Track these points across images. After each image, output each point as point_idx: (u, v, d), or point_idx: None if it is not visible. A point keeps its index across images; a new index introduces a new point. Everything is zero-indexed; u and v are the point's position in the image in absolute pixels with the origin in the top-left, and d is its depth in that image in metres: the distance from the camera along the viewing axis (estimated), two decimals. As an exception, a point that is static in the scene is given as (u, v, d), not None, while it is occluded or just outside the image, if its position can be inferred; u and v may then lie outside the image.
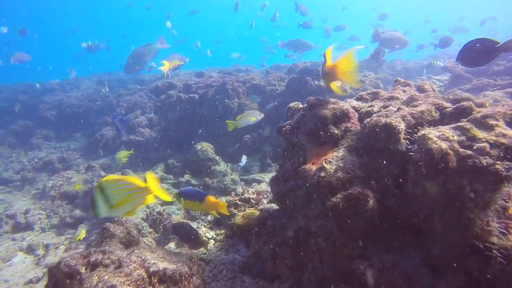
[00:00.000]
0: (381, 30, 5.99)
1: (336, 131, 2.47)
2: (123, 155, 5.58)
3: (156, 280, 2.05)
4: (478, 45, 2.95)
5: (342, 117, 2.51)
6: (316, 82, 5.55)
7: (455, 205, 1.60)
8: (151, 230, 4.26)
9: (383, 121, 2.05)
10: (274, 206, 3.73)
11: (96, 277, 2.14)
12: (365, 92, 2.86)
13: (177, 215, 4.54)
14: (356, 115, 2.56)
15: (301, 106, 3.09)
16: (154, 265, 2.09)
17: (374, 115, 2.24)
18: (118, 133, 6.12)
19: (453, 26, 12.26)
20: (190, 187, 3.45)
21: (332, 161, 2.26)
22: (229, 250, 3.59)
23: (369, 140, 2.20)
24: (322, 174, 2.21)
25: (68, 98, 10.48)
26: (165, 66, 6.09)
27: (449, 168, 1.63)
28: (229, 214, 3.81)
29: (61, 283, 2.24)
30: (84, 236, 4.64)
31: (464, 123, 1.76)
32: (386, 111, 2.20)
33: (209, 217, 4.24)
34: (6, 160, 8.67)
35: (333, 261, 2.25)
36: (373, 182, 2.11)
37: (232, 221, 3.80)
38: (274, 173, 5.57)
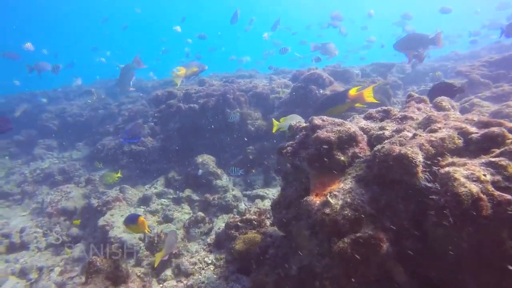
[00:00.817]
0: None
1: (342, 158, 2.19)
2: (110, 178, 5.35)
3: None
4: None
5: (349, 141, 2.22)
6: (321, 91, 5.25)
7: (493, 265, 1.30)
8: (148, 253, 4.02)
9: (397, 151, 1.76)
10: (277, 230, 3.46)
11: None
12: (374, 110, 2.57)
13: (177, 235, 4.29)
14: (365, 138, 2.27)
15: (304, 125, 2.81)
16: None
17: (386, 141, 1.95)
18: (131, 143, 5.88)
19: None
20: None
21: (338, 194, 1.97)
22: (230, 278, 3.32)
23: (380, 170, 1.91)
24: (327, 210, 1.92)
25: (70, 107, 10.36)
26: (180, 72, 5.83)
27: (483, 216, 1.33)
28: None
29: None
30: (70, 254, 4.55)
31: (498, 158, 1.46)
32: (400, 137, 1.91)
33: (208, 239, 3.98)
34: (8, 171, 8.57)
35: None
36: (385, 221, 1.82)
37: (233, 245, 3.54)
38: (278, 188, 5.29)
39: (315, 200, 2.11)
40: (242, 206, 4.72)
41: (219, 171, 5.39)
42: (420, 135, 1.82)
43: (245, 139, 5.83)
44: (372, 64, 8.09)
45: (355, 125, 2.33)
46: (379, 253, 1.69)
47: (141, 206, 5.17)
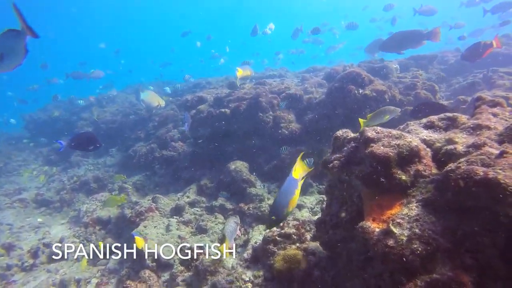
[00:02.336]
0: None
1: (403, 177, 1.88)
2: (114, 202, 5.21)
3: None
4: None
5: (410, 157, 1.91)
6: (361, 91, 4.88)
7: None
8: (182, 268, 3.87)
9: (482, 175, 1.44)
10: (320, 246, 3.18)
11: None
12: (436, 118, 2.22)
13: (210, 249, 4.11)
14: (429, 152, 1.95)
15: (352, 135, 2.51)
16: None
17: (462, 160, 1.62)
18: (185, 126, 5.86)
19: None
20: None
21: (403, 223, 1.68)
22: (270, 299, 3.09)
23: (457, 196, 1.59)
24: (390, 242, 1.63)
25: (103, 114, 10.55)
26: (239, 73, 5.97)
27: None
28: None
29: None
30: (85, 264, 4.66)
31: None
32: (481, 154, 1.58)
33: (245, 254, 3.77)
34: (49, 179, 8.85)
35: None
36: (466, 257, 1.50)
37: (272, 262, 3.30)
38: (316, 196, 4.99)
39: (373, 227, 1.82)
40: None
41: (252, 178, 5.17)
42: (510, 152, 1.48)
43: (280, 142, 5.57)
44: (411, 57, 7.54)
45: (416, 136, 2.01)
46: (463, 301, 1.38)
47: (174, 216, 5.06)
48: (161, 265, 4.10)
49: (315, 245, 3.21)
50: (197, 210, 5.07)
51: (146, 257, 4.02)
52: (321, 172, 5.26)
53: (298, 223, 3.71)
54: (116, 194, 6.55)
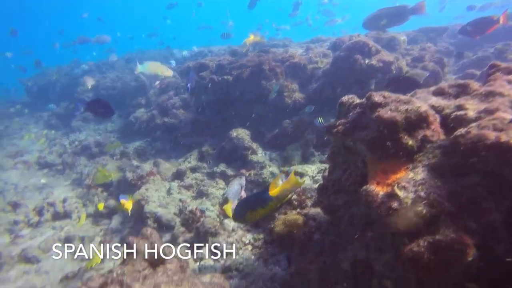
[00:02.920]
0: None
1: (410, 142, 1.86)
2: (102, 178, 5.04)
3: (181, 333, 1.67)
4: None
5: (418, 122, 1.88)
6: (367, 61, 4.77)
7: None
8: (184, 229, 3.95)
9: (493, 139, 1.42)
10: (321, 212, 3.23)
11: (112, 323, 1.81)
12: (447, 84, 2.18)
13: (211, 212, 4.19)
14: (438, 118, 1.92)
15: (358, 101, 2.47)
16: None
17: (472, 125, 1.60)
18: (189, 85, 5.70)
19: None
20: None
21: (408, 186, 1.68)
22: (269, 260, 3.18)
23: (464, 160, 1.59)
24: (394, 205, 1.64)
25: (103, 80, 10.40)
26: (250, 38, 5.83)
27: None
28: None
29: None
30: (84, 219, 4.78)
31: None
32: (493, 119, 1.55)
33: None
34: (50, 142, 8.87)
35: (405, 316, 1.73)
36: (469, 221, 1.52)
37: (272, 226, 3.36)
38: (318, 165, 5.02)
39: (377, 190, 1.82)
40: (280, 183, 4.50)
41: (254, 145, 5.17)
42: (523, 118, 1.46)
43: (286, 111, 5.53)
44: (419, 29, 7.33)
45: (425, 103, 1.97)
46: (464, 261, 1.40)
47: (175, 181, 5.11)
48: (162, 227, 4.19)
49: (315, 211, 3.25)
50: (198, 176, 5.12)
51: (147, 217, 4.10)
52: (322, 143, 5.27)
53: (299, 189, 3.75)
54: (117, 159, 6.59)
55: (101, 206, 4.88)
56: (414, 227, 1.56)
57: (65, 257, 4.49)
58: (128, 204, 3.96)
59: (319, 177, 4.55)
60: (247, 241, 3.51)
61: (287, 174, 4.81)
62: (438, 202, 1.56)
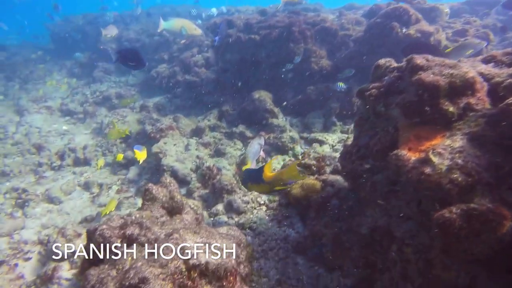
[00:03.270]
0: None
1: (451, 109, 1.75)
2: (116, 134, 4.90)
3: (196, 274, 1.70)
4: None
5: (463, 88, 1.76)
6: (404, 30, 4.49)
7: None
8: (199, 185, 4.00)
9: (550, 107, 1.31)
10: (340, 179, 3.18)
11: (130, 258, 1.85)
12: (500, 52, 2.01)
13: (227, 171, 4.21)
14: (485, 86, 1.79)
15: (395, 64, 2.33)
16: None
17: (527, 93, 1.48)
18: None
19: None
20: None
21: (444, 153, 1.59)
22: (283, 222, 3.19)
23: (510, 130, 1.48)
24: (427, 170, 1.57)
25: (127, 32, 10.27)
26: None
27: None
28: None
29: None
30: (102, 164, 4.85)
31: None
32: (551, 88, 1.42)
33: (262, 179, 3.83)
34: (73, 91, 8.98)
35: (422, 283, 1.71)
36: (508, 194, 1.44)
37: (288, 189, 3.36)
38: (338, 134, 4.92)
39: (409, 155, 1.75)
40: (299, 149, 4.47)
41: (275, 109, 5.09)
42: None
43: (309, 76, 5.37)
44: (466, 2, 6.82)
45: (473, 69, 1.83)
46: (498, 232, 1.34)
47: (194, 137, 5.13)
48: (178, 181, 4.24)
49: (334, 178, 3.21)
50: (217, 135, 5.11)
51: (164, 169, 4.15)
52: (345, 112, 5.13)
53: (318, 155, 3.69)
54: (137, 112, 6.62)
55: (120, 157, 4.94)
56: (447, 194, 1.49)
57: (84, 201, 4.68)
58: (140, 154, 3.93)
59: (339, 146, 4.47)
60: (262, 202, 3.52)
61: (306, 140, 4.76)
62: (476, 171, 1.48)
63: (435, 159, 1.58)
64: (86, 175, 5.08)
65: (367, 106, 2.53)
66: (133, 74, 9.37)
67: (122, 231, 2.02)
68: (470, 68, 1.81)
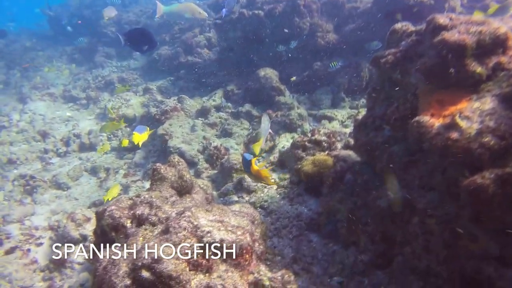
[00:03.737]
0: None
1: (478, 70, 1.62)
2: (111, 127, 4.72)
3: (210, 253, 1.63)
4: None
5: (493, 46, 1.62)
6: (416, -4, 4.26)
7: None
8: (207, 165, 3.93)
9: None
10: (352, 154, 3.08)
11: (141, 238, 1.79)
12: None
13: (235, 151, 4.13)
14: (516, 44, 1.64)
15: (413, 28, 2.18)
16: (208, 235, 1.65)
17: None
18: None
19: None
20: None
21: (472, 116, 1.48)
22: (295, 200, 3.12)
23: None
24: (454, 135, 1.46)
25: (126, 14, 10.02)
26: None
27: None
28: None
29: (108, 233, 1.95)
30: (108, 149, 4.66)
31: None
32: None
33: (271, 157, 3.75)
34: (74, 77, 8.86)
35: (447, 255, 1.62)
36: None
37: (300, 166, 3.26)
38: (348, 110, 4.78)
39: (432, 121, 1.63)
40: (307, 126, 4.35)
41: (282, 86, 4.94)
42: None
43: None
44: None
45: (505, 24, 1.68)
46: (536, 198, 1.24)
47: (199, 118, 5.02)
48: (186, 162, 4.17)
49: (346, 153, 3.11)
50: (223, 115, 5.00)
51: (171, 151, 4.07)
52: (354, 88, 4.98)
53: (329, 131, 3.58)
54: (140, 95, 6.50)
55: (125, 143, 4.79)
56: (477, 159, 1.38)
57: (92, 185, 4.65)
58: (139, 137, 3.71)
59: (348, 122, 4.36)
60: (272, 180, 3.44)
61: (314, 117, 4.63)
62: (510, 133, 1.36)
63: (463, 123, 1.47)
64: (93, 160, 5.03)
65: (382, 75, 2.40)
66: (135, 58, 9.21)
67: (131, 212, 1.96)
68: (502, 25, 1.67)
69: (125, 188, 4.23)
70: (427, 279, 1.75)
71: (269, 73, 4.98)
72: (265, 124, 3.01)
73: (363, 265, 2.32)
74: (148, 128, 3.75)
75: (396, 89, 2.22)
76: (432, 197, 1.75)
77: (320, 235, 2.71)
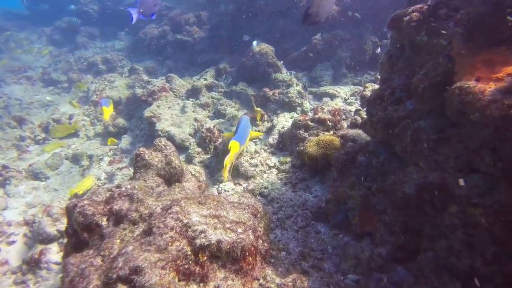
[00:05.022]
0: None
1: (542, 17, 1.27)
2: (60, 132, 4.42)
3: (205, 257, 1.30)
4: None
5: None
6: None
7: None
8: (200, 149, 3.56)
9: None
10: (362, 133, 2.75)
11: (119, 241, 1.44)
12: None
13: (229, 132, 3.76)
14: None
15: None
16: (202, 235, 1.31)
17: None
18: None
19: None
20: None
21: (542, 76, 1.13)
22: (298, 186, 2.79)
23: None
24: (519, 101, 1.12)
25: (110, -10, 9.39)
26: None
27: None
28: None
29: (79, 234, 1.60)
30: (115, 141, 4.21)
31: None
32: None
33: (270, 139, 3.39)
34: (55, 59, 8.29)
35: (497, 252, 1.31)
36: None
37: (302, 148, 2.92)
38: (351, 86, 4.42)
39: (482, 87, 1.29)
40: (307, 104, 3.98)
41: (279, 62, 4.55)
42: None
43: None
44: None
45: None
46: None
47: (190, 99, 4.62)
48: (176, 147, 3.79)
49: (355, 131, 2.77)
50: (215, 94, 4.60)
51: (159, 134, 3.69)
52: (356, 62, 4.61)
53: (333, 109, 3.23)
54: (126, 76, 6.04)
55: (112, 141, 4.30)
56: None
57: (74, 175, 4.26)
58: (107, 111, 3.35)
59: (352, 99, 4.00)
60: (271, 164, 3.11)
61: (315, 95, 4.27)
62: None
63: (529, 86, 1.12)
64: (74, 147, 4.62)
65: (402, 39, 2.04)
66: (120, 38, 8.66)
67: (108, 207, 1.60)
68: None
69: (110, 177, 3.85)
70: (467, 282, 1.44)
71: (265, 48, 4.57)
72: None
73: (381, 259, 2.02)
74: (111, 100, 3.59)
75: (420, 54, 1.87)
76: (476, 182, 1.43)
77: (328, 226, 2.40)
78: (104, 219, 1.55)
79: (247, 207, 1.67)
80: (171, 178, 2.14)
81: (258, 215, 1.69)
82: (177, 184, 2.17)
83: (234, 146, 2.67)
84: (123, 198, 1.61)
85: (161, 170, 2.09)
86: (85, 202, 1.61)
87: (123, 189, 1.73)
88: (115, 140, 4.29)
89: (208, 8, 6.07)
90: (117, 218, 1.53)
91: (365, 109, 3.19)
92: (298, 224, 2.39)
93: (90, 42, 8.69)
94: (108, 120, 3.47)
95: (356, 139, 2.65)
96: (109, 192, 1.82)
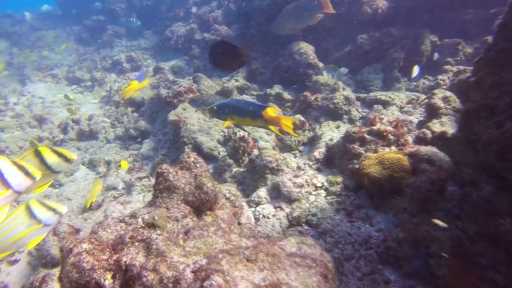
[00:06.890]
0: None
1: None
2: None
3: None
4: None
5: None
6: None
7: None
8: (231, 161, 3.07)
9: None
10: (439, 153, 2.17)
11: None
12: None
13: (266, 142, 3.25)
14: None
15: None
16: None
17: None
18: None
19: None
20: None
21: None
22: (355, 215, 2.23)
23: None
24: None
25: (136, -12, 9.16)
26: None
27: None
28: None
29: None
30: (127, 167, 3.66)
31: None
32: None
33: (316, 153, 2.85)
34: (81, 57, 8.11)
35: None
36: None
37: (360, 167, 2.37)
38: (406, 93, 3.81)
39: None
40: (355, 112, 3.41)
41: (321, 64, 4.01)
42: None
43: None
44: None
45: None
46: None
47: (220, 102, 4.14)
48: (203, 157, 3.32)
49: (429, 150, 2.20)
50: (247, 98, 4.12)
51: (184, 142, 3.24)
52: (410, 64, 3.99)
53: (395, 119, 2.66)
54: (151, 75, 5.67)
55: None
56: None
57: (89, 182, 3.88)
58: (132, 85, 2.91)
59: (409, 108, 3.40)
60: (319, 184, 2.57)
61: (363, 101, 3.70)
62: None
63: None
64: (92, 151, 4.25)
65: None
66: (146, 37, 8.38)
67: (114, 257, 1.12)
68: None
69: (129, 187, 3.43)
70: None
71: (304, 48, 4.05)
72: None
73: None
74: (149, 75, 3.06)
75: None
76: None
77: (400, 273, 1.83)
78: (108, 275, 1.07)
79: (313, 264, 1.14)
80: (202, 206, 1.65)
81: (329, 275, 1.15)
82: (208, 213, 1.68)
83: None
84: (136, 244, 1.12)
85: (188, 195, 1.61)
86: (84, 247, 1.14)
87: (138, 226, 1.26)
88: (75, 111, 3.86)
89: (239, 3, 5.60)
90: (127, 279, 1.04)
91: (437, 120, 2.62)
92: (361, 269, 1.84)
93: (116, 41, 8.47)
94: (126, 97, 2.99)
95: (433, 160, 2.08)
96: (120, 224, 1.35)
